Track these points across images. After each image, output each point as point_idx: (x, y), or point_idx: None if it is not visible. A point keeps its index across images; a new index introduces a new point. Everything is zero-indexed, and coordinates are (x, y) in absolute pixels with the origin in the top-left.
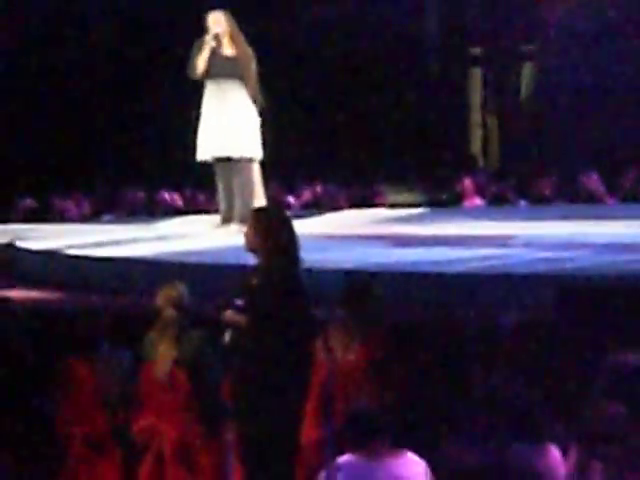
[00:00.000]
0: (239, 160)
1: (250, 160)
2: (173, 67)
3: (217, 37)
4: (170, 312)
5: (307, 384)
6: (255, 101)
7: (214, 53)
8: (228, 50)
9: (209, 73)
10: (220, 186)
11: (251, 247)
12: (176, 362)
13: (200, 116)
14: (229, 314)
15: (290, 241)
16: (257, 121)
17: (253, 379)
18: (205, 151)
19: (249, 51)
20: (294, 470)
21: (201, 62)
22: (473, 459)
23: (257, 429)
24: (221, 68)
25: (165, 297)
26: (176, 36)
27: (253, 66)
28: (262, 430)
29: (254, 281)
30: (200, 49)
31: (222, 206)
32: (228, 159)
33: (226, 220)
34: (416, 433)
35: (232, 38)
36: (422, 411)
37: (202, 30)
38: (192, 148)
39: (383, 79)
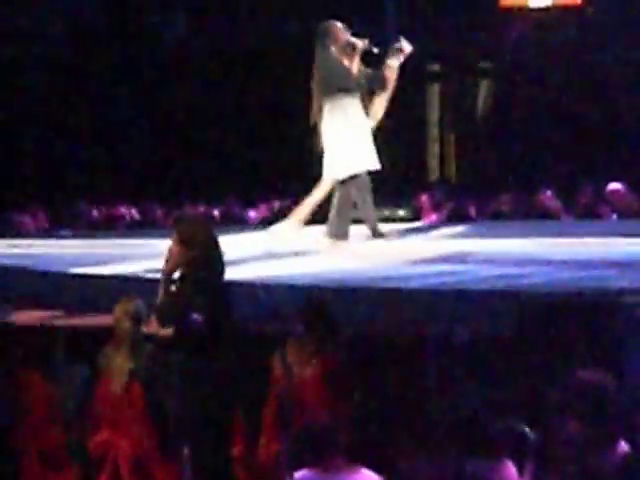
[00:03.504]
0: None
1: None
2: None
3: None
4: (126, 325)
5: (236, 397)
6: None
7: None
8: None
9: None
10: (361, 198)
11: None
12: (132, 376)
13: (347, 129)
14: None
15: (213, 254)
16: None
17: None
18: (368, 162)
19: None
20: None
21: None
22: (429, 475)
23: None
24: (358, 81)
25: (121, 310)
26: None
27: None
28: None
29: (172, 289)
30: (342, 62)
31: (369, 219)
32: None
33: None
34: (373, 449)
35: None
36: (379, 426)
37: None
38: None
39: None
